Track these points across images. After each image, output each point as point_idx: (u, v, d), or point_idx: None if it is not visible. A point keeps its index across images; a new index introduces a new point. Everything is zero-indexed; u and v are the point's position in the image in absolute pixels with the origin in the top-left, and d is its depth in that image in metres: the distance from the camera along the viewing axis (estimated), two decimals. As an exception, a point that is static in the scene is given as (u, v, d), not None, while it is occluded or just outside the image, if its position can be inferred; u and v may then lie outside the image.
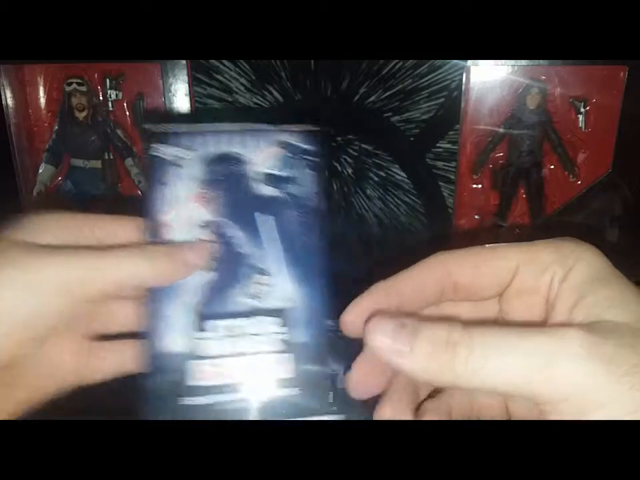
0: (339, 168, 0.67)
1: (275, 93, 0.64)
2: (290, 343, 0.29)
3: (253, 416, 0.28)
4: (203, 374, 0.28)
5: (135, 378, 0.29)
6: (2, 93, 0.61)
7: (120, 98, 0.64)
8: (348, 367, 0.26)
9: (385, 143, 0.66)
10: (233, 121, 0.31)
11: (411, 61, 0.62)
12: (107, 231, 0.30)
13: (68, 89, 0.63)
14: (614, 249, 0.24)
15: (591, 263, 0.23)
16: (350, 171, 0.67)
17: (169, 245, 0.29)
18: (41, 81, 0.64)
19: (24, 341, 0.26)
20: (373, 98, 0.64)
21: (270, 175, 0.31)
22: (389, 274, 0.25)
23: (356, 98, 0.64)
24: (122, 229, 0.30)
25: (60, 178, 0.66)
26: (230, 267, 0.30)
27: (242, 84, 0.64)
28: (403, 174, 0.67)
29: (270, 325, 0.29)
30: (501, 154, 0.64)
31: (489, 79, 0.61)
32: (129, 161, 0.65)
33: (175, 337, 0.29)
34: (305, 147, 0.31)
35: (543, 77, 0.60)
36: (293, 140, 0.31)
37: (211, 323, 0.29)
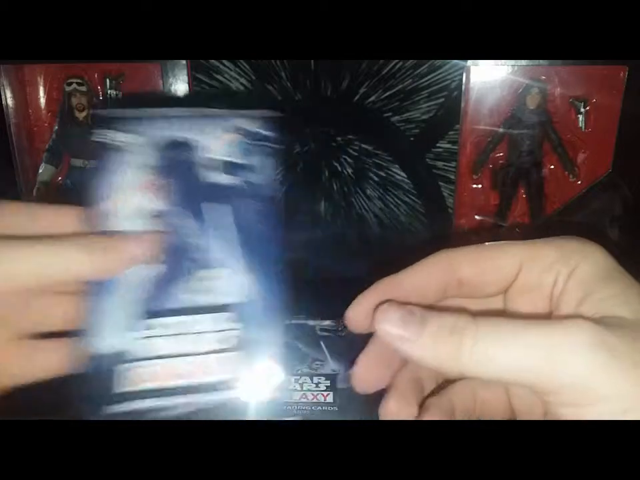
0: (339, 168, 0.67)
1: (275, 93, 0.64)
2: (244, 340, 0.27)
3: (203, 418, 0.26)
4: (146, 375, 0.27)
5: (70, 378, 0.28)
6: (2, 93, 0.61)
7: (120, 98, 0.64)
8: (348, 367, 0.26)
9: (385, 142, 0.66)
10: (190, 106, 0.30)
11: (410, 61, 0.62)
12: (48, 222, 0.28)
13: (68, 89, 0.63)
14: (614, 249, 0.24)
15: (597, 261, 0.23)
16: (350, 170, 0.67)
17: (111, 236, 0.27)
18: (40, 81, 0.64)
19: None
20: (372, 98, 0.64)
21: (225, 162, 0.29)
22: (388, 274, 0.25)
23: (356, 98, 0.64)
24: (63, 219, 0.28)
25: (60, 178, 0.66)
26: (179, 260, 0.28)
27: (242, 84, 0.64)
28: (402, 174, 0.67)
29: (222, 322, 0.27)
30: (501, 154, 0.63)
31: (488, 79, 0.61)
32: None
33: (117, 335, 0.27)
34: (263, 133, 0.29)
35: (543, 77, 0.60)
36: (251, 126, 0.29)
37: (157, 321, 0.27)
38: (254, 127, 0.29)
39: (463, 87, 0.61)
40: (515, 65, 0.60)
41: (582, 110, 0.61)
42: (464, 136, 0.63)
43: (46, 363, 0.29)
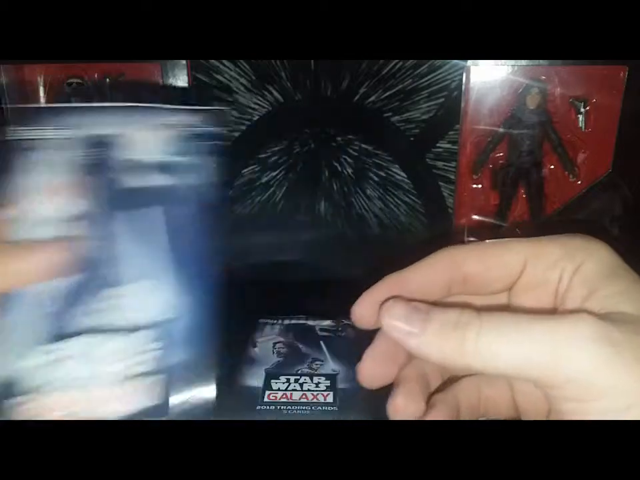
0: (339, 168, 0.67)
1: (275, 93, 0.64)
2: (165, 362, 0.24)
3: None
4: (49, 404, 0.23)
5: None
6: (2, 93, 0.61)
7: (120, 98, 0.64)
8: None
9: (384, 143, 0.66)
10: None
11: (410, 61, 0.62)
12: None
13: (68, 89, 0.63)
14: (618, 246, 0.24)
15: (601, 258, 0.23)
16: (350, 170, 0.67)
17: (16, 245, 0.23)
18: (41, 81, 0.64)
19: None
20: (373, 98, 0.64)
21: (158, 161, 0.25)
22: (388, 274, 0.26)
23: (356, 98, 0.64)
24: None
25: None
26: (94, 273, 0.24)
27: (242, 84, 0.64)
28: (403, 174, 0.67)
29: (141, 342, 0.24)
30: (501, 154, 0.64)
31: (488, 79, 0.61)
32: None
33: (15, 360, 0.23)
34: (203, 128, 0.26)
35: (543, 77, 0.60)
36: (189, 121, 0.26)
37: (65, 343, 0.23)
38: (192, 121, 0.26)
39: (463, 86, 0.61)
40: (515, 65, 0.60)
41: (582, 110, 0.61)
42: (464, 136, 0.63)
43: None
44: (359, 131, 0.65)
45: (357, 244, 0.69)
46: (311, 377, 0.50)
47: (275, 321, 0.60)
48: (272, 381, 0.50)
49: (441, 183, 0.66)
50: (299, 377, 0.50)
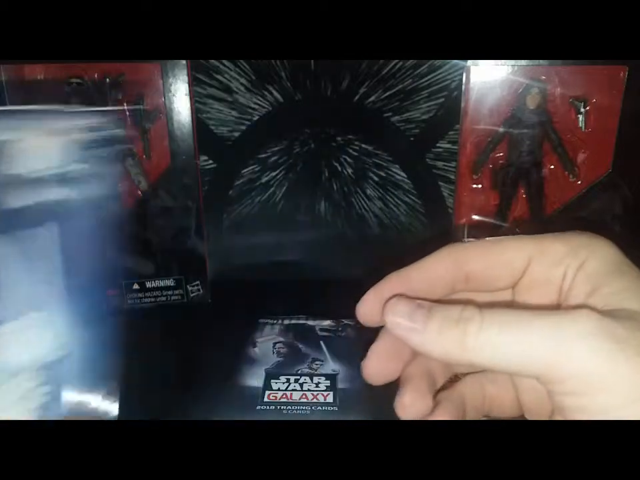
0: (339, 168, 0.67)
1: (275, 93, 0.64)
2: (57, 403, 0.21)
3: None
4: None
5: None
6: (2, 93, 0.61)
7: (120, 98, 0.64)
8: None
9: (384, 143, 0.66)
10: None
11: (410, 61, 0.62)
12: None
13: (68, 89, 0.63)
14: (621, 244, 0.24)
15: (605, 255, 0.23)
16: (350, 170, 0.67)
17: None
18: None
19: None
20: (372, 98, 0.64)
21: (54, 172, 0.21)
22: (388, 274, 0.26)
23: (356, 98, 0.64)
24: None
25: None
26: None
27: (242, 84, 0.64)
28: (403, 174, 0.67)
29: (28, 383, 0.20)
30: (501, 154, 0.63)
31: (488, 79, 0.61)
32: (128, 161, 0.65)
33: None
34: (105, 132, 0.22)
35: (543, 77, 0.60)
36: (88, 124, 0.22)
37: None
38: (92, 124, 0.22)
39: (463, 86, 0.61)
40: (515, 65, 0.60)
41: (582, 110, 0.61)
42: (464, 136, 0.63)
43: None
44: (359, 131, 0.65)
45: (357, 244, 0.69)
46: (311, 376, 0.50)
47: (275, 321, 0.60)
48: (272, 380, 0.50)
49: (440, 183, 0.66)
50: (299, 377, 0.50)
